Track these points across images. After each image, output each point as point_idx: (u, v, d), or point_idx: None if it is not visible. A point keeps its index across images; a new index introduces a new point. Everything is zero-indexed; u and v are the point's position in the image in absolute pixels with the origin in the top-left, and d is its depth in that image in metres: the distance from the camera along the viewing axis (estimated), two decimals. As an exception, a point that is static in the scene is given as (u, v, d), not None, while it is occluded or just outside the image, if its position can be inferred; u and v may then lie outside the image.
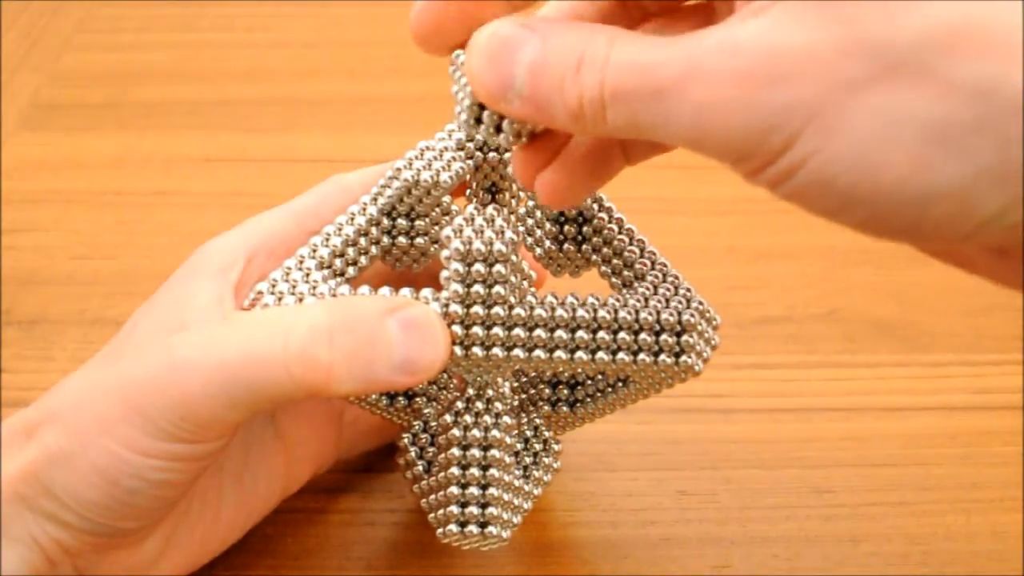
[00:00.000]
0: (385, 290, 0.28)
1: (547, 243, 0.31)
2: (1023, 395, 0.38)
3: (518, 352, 0.27)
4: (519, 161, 0.26)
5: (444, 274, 0.27)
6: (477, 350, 0.27)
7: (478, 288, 0.27)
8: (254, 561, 0.33)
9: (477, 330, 0.27)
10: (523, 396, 0.32)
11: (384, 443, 0.35)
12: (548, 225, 0.31)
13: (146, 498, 0.27)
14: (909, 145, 0.18)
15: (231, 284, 0.28)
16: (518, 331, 0.27)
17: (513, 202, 0.31)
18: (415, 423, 0.32)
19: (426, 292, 0.27)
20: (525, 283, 0.28)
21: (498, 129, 0.23)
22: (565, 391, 0.32)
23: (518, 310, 0.27)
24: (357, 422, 0.34)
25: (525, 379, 0.32)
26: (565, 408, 0.32)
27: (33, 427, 0.27)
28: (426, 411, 0.32)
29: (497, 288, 0.27)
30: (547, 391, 0.32)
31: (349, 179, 0.31)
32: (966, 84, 0.18)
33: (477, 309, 0.27)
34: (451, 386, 0.33)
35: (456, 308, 0.27)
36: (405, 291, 0.28)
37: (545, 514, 0.34)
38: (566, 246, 0.31)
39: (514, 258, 0.27)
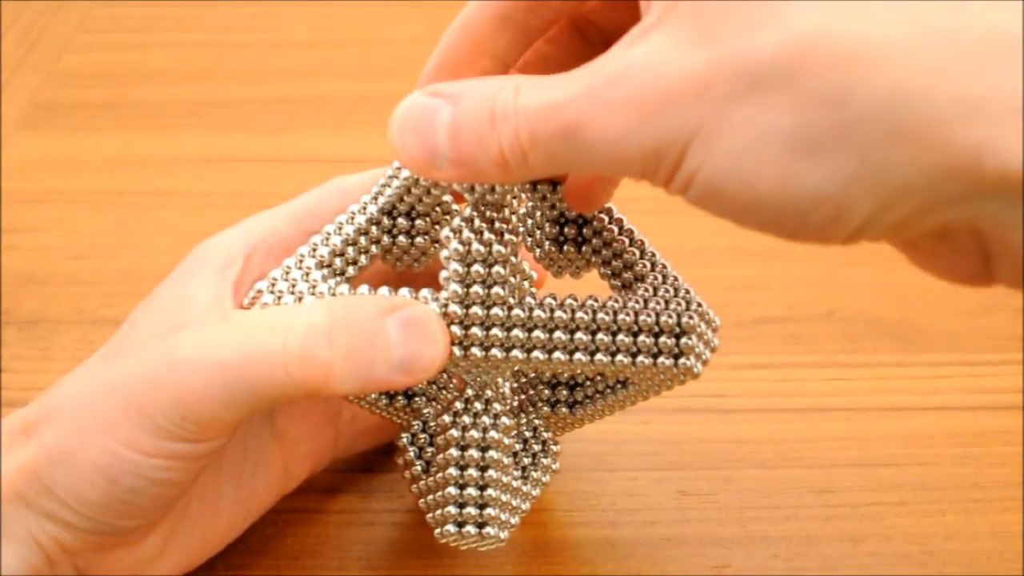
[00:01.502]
0: (384, 290, 0.28)
1: (547, 244, 0.31)
2: (1023, 395, 0.38)
3: (517, 353, 0.27)
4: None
5: (443, 274, 0.27)
6: (476, 351, 0.27)
7: (477, 289, 0.27)
8: (254, 561, 0.33)
9: (476, 331, 0.27)
10: (522, 397, 0.32)
11: (383, 443, 0.35)
12: (548, 226, 0.30)
13: (146, 497, 0.27)
14: (776, 156, 0.19)
15: (230, 282, 0.28)
16: (517, 332, 0.27)
17: (514, 202, 0.31)
18: (414, 423, 0.32)
19: (425, 292, 0.27)
20: (525, 284, 0.28)
21: (492, 190, 0.27)
22: (564, 392, 0.32)
23: (517, 311, 0.27)
24: (355, 421, 0.34)
25: (524, 380, 0.32)
26: (564, 409, 0.32)
27: (32, 425, 0.27)
28: (425, 411, 0.32)
29: (496, 289, 0.27)
30: (546, 392, 0.32)
31: (349, 182, 0.31)
32: (821, 95, 0.19)
33: (476, 310, 0.27)
34: (450, 386, 0.33)
35: (455, 308, 0.27)
36: (404, 291, 0.28)
37: (545, 514, 0.34)
38: (566, 248, 0.31)
39: (513, 259, 0.27)
